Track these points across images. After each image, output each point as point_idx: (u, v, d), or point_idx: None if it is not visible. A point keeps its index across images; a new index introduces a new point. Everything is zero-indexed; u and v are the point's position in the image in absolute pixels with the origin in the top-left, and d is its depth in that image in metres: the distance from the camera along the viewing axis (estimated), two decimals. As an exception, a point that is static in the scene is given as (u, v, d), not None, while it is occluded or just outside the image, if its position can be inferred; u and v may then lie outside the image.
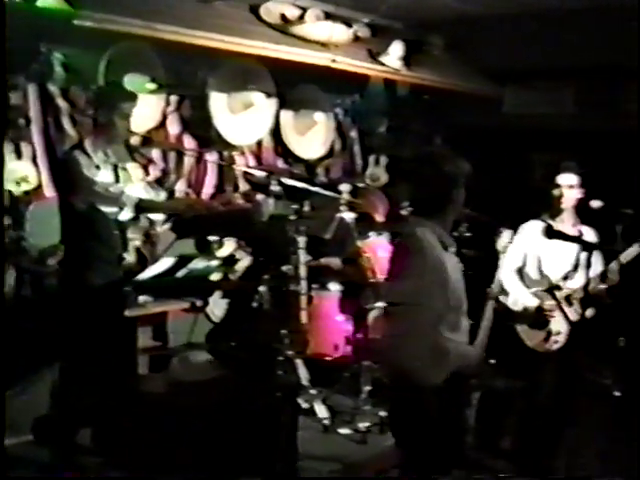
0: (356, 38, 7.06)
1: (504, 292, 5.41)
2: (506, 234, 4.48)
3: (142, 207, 5.05)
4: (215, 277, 6.51)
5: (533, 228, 5.36)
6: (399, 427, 4.05)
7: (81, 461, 4.92)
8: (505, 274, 5.43)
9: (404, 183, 4.59)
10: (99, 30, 5.21)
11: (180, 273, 6.17)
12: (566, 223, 5.43)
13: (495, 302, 4.23)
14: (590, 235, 5.51)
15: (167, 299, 6.26)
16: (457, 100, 8.15)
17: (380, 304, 6.10)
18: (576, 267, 5.45)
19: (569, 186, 5.39)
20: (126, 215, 4.98)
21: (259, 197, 6.75)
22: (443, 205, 3.91)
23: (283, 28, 6.57)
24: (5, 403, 4.45)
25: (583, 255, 5.44)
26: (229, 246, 6.68)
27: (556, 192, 5.41)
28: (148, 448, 4.51)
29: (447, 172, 3.86)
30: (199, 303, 6.48)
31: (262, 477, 4.54)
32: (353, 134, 8.22)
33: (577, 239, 5.22)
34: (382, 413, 5.60)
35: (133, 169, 6.01)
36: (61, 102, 5.77)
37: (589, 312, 5.34)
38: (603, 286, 5.29)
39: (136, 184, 5.77)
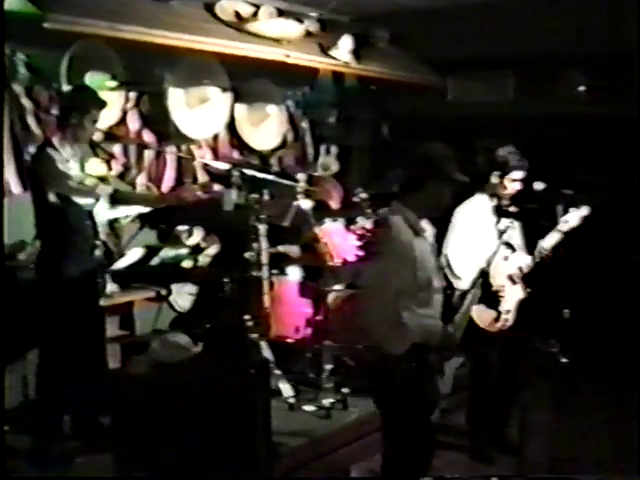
0: (307, 33, 7.19)
1: (455, 276, 5.59)
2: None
3: (117, 198, 5.21)
4: (186, 264, 6.66)
5: (477, 210, 5.62)
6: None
7: (60, 448, 5.05)
8: (454, 259, 5.70)
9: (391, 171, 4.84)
10: (59, 31, 5.37)
11: (153, 262, 6.35)
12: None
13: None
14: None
15: (133, 289, 6.37)
16: (403, 90, 8.42)
17: (338, 287, 6.43)
18: (514, 248, 5.66)
19: (512, 180, 5.64)
20: (102, 207, 5.14)
21: (219, 188, 6.92)
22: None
23: (238, 25, 6.70)
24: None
25: (520, 235, 5.75)
26: (197, 235, 6.83)
27: (505, 183, 5.63)
28: (125, 428, 4.70)
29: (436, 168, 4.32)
30: (164, 292, 6.58)
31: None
32: (304, 125, 8.40)
33: (523, 216, 5.50)
34: (344, 390, 5.88)
35: (97, 164, 6.17)
36: (25, 101, 5.94)
37: (533, 289, 5.63)
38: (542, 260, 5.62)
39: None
